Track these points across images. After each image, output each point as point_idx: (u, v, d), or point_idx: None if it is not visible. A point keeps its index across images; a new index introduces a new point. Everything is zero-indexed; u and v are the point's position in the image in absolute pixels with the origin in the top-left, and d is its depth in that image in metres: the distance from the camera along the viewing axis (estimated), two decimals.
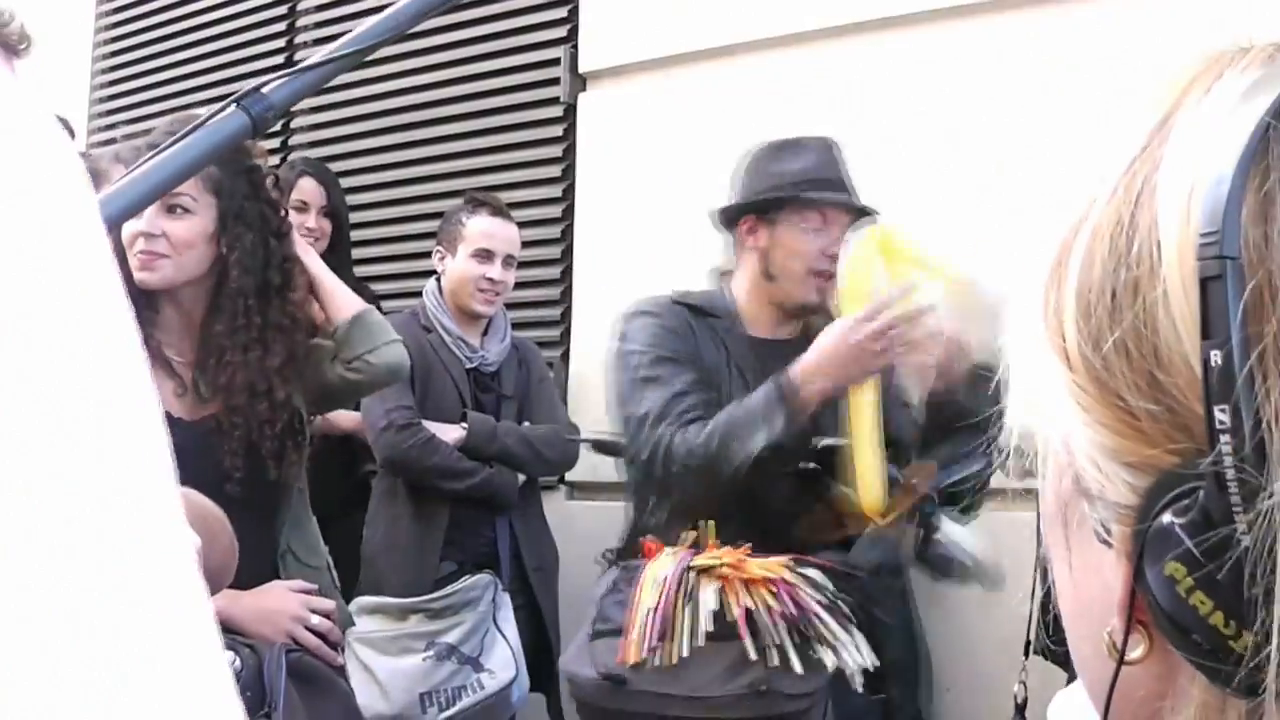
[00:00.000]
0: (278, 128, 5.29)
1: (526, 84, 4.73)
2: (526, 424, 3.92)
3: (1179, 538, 0.52)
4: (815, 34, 4.10)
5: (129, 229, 2.54)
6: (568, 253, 4.54)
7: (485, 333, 4.00)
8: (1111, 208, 0.58)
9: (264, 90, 1.26)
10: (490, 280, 3.90)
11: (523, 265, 4.13)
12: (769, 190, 3.05)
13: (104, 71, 6.17)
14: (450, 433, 3.80)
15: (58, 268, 0.45)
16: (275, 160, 4.80)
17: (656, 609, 2.68)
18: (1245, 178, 0.53)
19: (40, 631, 0.40)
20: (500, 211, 3.99)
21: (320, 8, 5.39)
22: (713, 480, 2.82)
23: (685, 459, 2.81)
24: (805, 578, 2.73)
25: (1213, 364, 0.51)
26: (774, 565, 2.73)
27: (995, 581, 2.95)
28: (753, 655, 2.63)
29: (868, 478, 2.80)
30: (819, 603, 2.69)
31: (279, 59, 5.34)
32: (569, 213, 4.55)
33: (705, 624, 2.64)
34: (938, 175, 3.68)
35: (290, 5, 5.51)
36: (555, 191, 4.59)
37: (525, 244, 4.13)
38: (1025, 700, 0.79)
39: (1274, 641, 0.51)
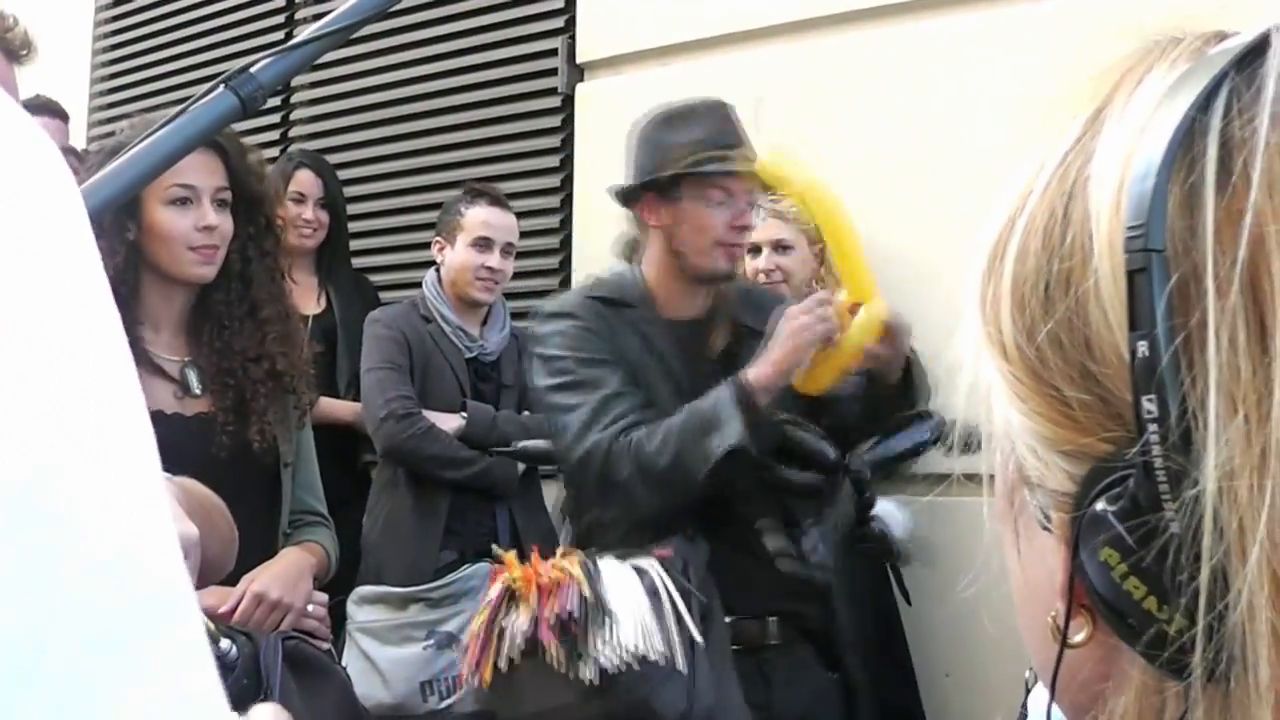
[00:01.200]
0: (276, 120, 5.30)
1: (524, 75, 4.73)
2: (526, 413, 3.92)
3: (1111, 524, 0.54)
4: (813, 23, 4.10)
5: (182, 223, 2.58)
6: (566, 243, 4.54)
7: (484, 322, 4.01)
8: (1045, 200, 0.59)
9: (252, 70, 1.27)
10: (489, 269, 3.92)
11: (521, 255, 4.13)
12: (664, 166, 2.93)
13: (105, 65, 6.17)
14: (450, 422, 3.81)
15: (41, 266, 0.46)
16: (273, 152, 4.81)
17: (477, 634, 2.65)
18: (1171, 170, 0.53)
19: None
20: (498, 201, 4.00)
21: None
22: (672, 491, 2.76)
23: (637, 468, 2.74)
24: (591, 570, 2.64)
25: (1139, 354, 0.52)
26: (566, 565, 2.65)
27: (928, 561, 2.96)
28: (558, 667, 2.55)
29: (854, 268, 2.89)
30: (584, 597, 2.57)
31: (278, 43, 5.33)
32: (567, 203, 4.55)
33: (510, 650, 2.58)
34: (936, 165, 3.68)
35: None
36: (553, 182, 4.59)
37: (523, 234, 4.14)
38: (1034, 684, 0.81)
39: (1199, 624, 0.51)
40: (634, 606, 2.59)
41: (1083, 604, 0.57)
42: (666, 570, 2.66)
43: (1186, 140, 0.54)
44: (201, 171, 2.59)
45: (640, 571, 2.65)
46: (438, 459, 3.77)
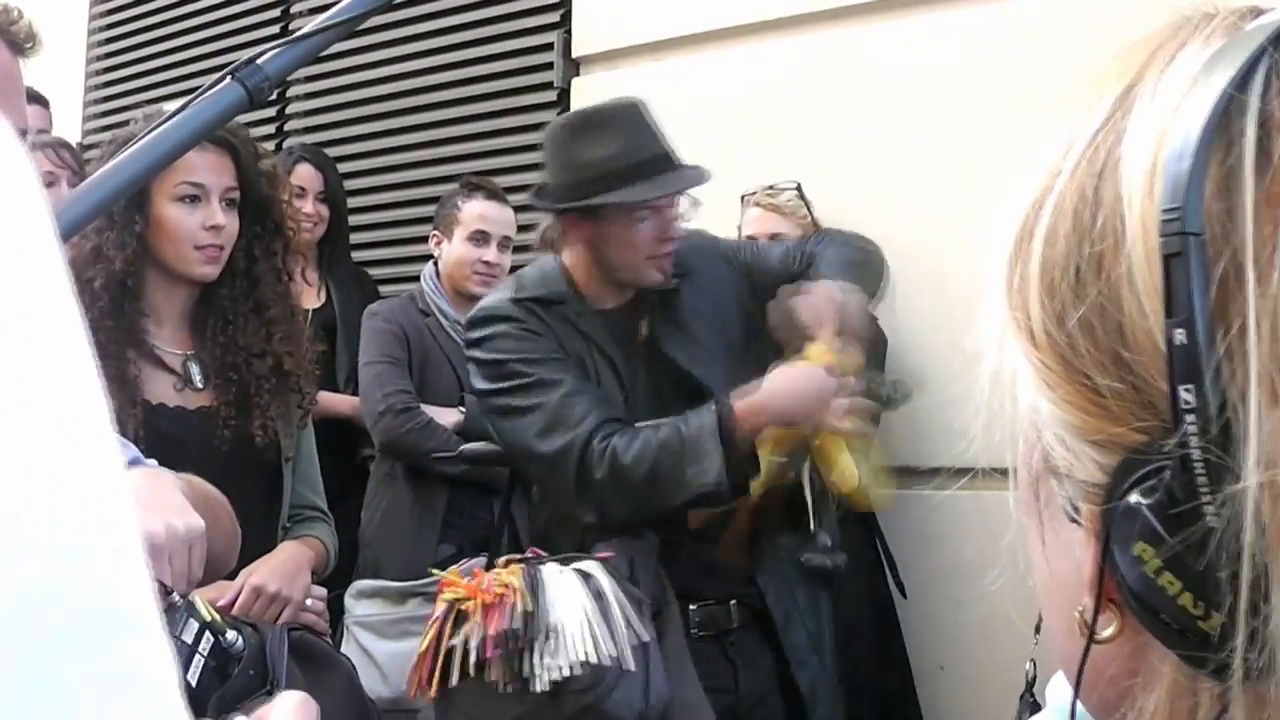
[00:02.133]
0: (273, 113, 5.31)
1: (520, 69, 4.72)
2: None
3: (1145, 517, 0.52)
4: (808, 18, 4.10)
5: (190, 221, 2.59)
6: None
7: None
8: (1075, 181, 0.57)
9: (259, 62, 1.27)
10: (486, 263, 3.92)
11: (518, 249, 4.13)
12: (580, 186, 2.84)
13: (100, 59, 6.16)
14: (447, 416, 3.81)
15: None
16: (271, 146, 4.81)
17: (425, 652, 2.61)
18: (1208, 151, 0.51)
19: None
20: (495, 195, 4.01)
21: None
22: (643, 508, 2.76)
23: (612, 478, 2.71)
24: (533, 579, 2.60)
25: (1177, 342, 0.50)
26: (509, 578, 2.61)
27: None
28: (502, 685, 2.52)
29: (843, 468, 2.80)
30: (524, 614, 2.53)
31: (274, 37, 5.33)
32: None
33: (460, 667, 2.55)
34: (936, 159, 3.69)
35: None
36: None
37: (520, 228, 4.14)
38: (1034, 678, 0.78)
39: (1240, 624, 0.50)
40: (579, 615, 2.55)
41: (1111, 598, 0.55)
42: (609, 572, 2.63)
43: (1223, 120, 0.52)
44: (211, 170, 2.60)
45: (585, 576, 2.62)
46: (436, 453, 3.77)
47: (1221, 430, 0.49)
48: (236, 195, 2.64)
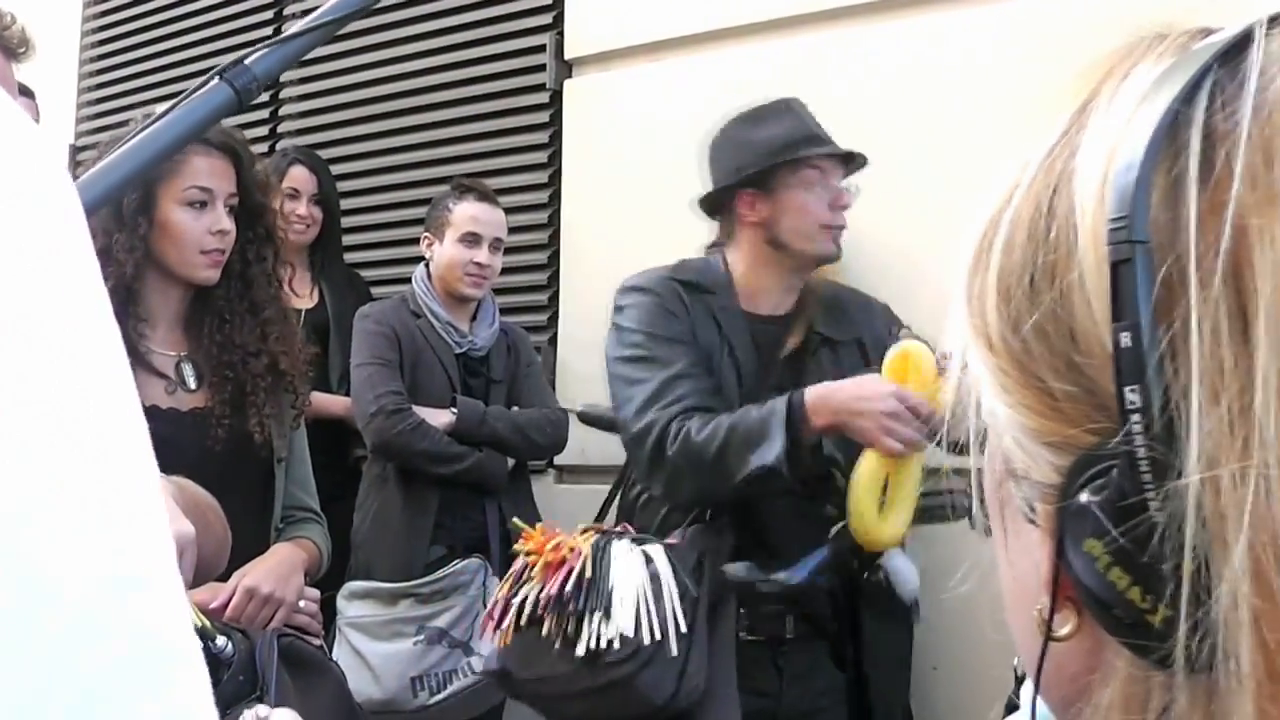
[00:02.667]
0: (266, 115, 5.30)
1: (512, 70, 4.72)
2: (515, 408, 3.93)
3: (1095, 515, 0.54)
4: (802, 19, 4.10)
5: (198, 225, 2.61)
6: (554, 238, 4.54)
7: (474, 318, 4.01)
8: (1031, 194, 0.59)
9: (247, 62, 1.26)
10: (478, 264, 3.92)
11: (510, 251, 4.13)
12: (759, 161, 2.97)
13: (93, 60, 6.16)
14: (439, 418, 3.81)
15: (39, 267, 0.45)
16: (262, 148, 4.81)
17: (498, 600, 2.82)
18: (1154, 163, 0.54)
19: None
20: (486, 196, 4.01)
21: None
22: (707, 486, 2.81)
23: (682, 454, 2.78)
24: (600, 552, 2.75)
25: (1123, 345, 0.52)
26: (579, 543, 2.78)
27: (923, 617, 2.98)
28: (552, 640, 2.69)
29: (863, 513, 2.75)
30: (580, 578, 2.69)
31: (266, 36, 5.33)
32: (555, 199, 4.55)
33: (514, 613, 2.74)
34: (931, 160, 3.69)
35: None
36: (541, 178, 4.59)
37: (512, 230, 4.14)
38: (1024, 676, 0.81)
39: (1182, 615, 0.51)
40: (634, 590, 2.66)
41: (1069, 597, 0.57)
42: (670, 559, 2.72)
43: (1170, 133, 0.54)
44: (217, 175, 2.63)
45: (648, 558, 2.72)
46: (427, 454, 3.77)
47: (1165, 429, 0.52)
48: (236, 201, 2.66)
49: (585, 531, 2.82)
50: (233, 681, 1.68)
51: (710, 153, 3.09)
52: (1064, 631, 0.58)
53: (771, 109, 3.07)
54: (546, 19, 4.65)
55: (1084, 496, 0.54)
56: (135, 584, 0.43)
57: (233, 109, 1.27)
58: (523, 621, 2.72)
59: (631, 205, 4.28)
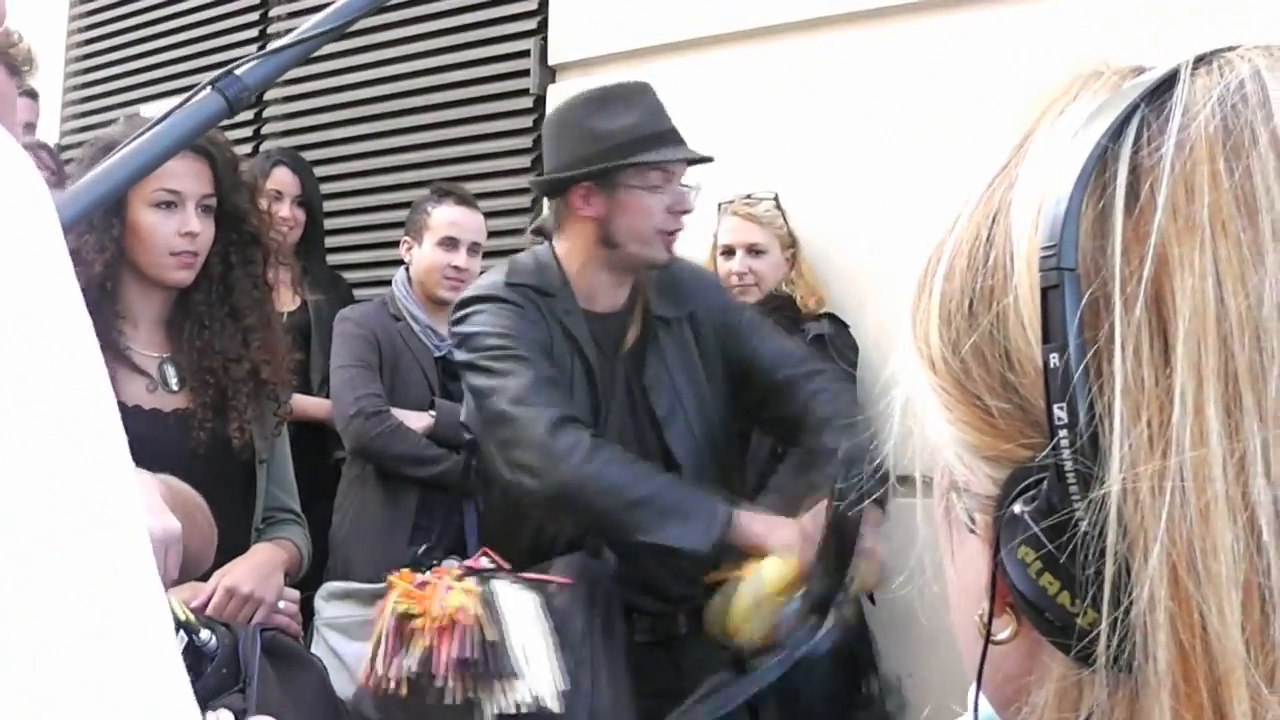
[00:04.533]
0: (250, 117, 5.31)
1: (497, 75, 4.75)
2: None
3: (1027, 524, 0.57)
4: (783, 27, 4.13)
5: (165, 227, 2.59)
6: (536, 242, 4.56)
7: None
8: (972, 223, 0.63)
9: (238, 72, 1.29)
10: (456, 268, 3.94)
11: (491, 255, 4.15)
12: (602, 156, 2.83)
13: (78, 60, 6.16)
14: (418, 420, 3.83)
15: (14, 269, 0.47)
16: (248, 150, 4.82)
17: (380, 663, 2.59)
18: (1084, 195, 0.58)
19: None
20: (465, 200, 4.03)
21: None
22: (600, 527, 2.78)
23: (595, 481, 2.69)
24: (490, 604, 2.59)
25: (1052, 365, 0.56)
26: (464, 600, 2.58)
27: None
28: (448, 700, 2.50)
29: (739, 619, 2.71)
30: (482, 641, 2.53)
31: (252, 48, 5.35)
32: (537, 203, 4.57)
33: (405, 674, 2.54)
34: (906, 166, 3.71)
35: None
36: (524, 182, 4.60)
37: (494, 234, 4.17)
38: None
39: (1104, 617, 0.55)
40: (541, 650, 2.55)
41: (1008, 602, 0.60)
42: (562, 598, 2.66)
43: (1099, 166, 0.58)
44: (188, 177, 2.60)
45: (540, 599, 2.63)
46: (406, 456, 3.78)
47: (1090, 443, 0.55)
48: (213, 202, 2.64)
49: (461, 577, 2.65)
50: (216, 674, 1.70)
51: (551, 131, 2.99)
52: (1003, 636, 0.61)
53: (620, 93, 2.92)
54: (531, 24, 4.68)
55: (1017, 507, 0.58)
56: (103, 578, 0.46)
57: (223, 117, 1.29)
58: (410, 678, 2.54)
59: None
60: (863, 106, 3.90)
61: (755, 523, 2.71)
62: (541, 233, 3.05)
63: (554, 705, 2.49)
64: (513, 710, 2.50)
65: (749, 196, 3.89)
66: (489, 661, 2.51)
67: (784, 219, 3.88)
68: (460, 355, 2.92)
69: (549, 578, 2.72)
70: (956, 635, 0.68)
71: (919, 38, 3.86)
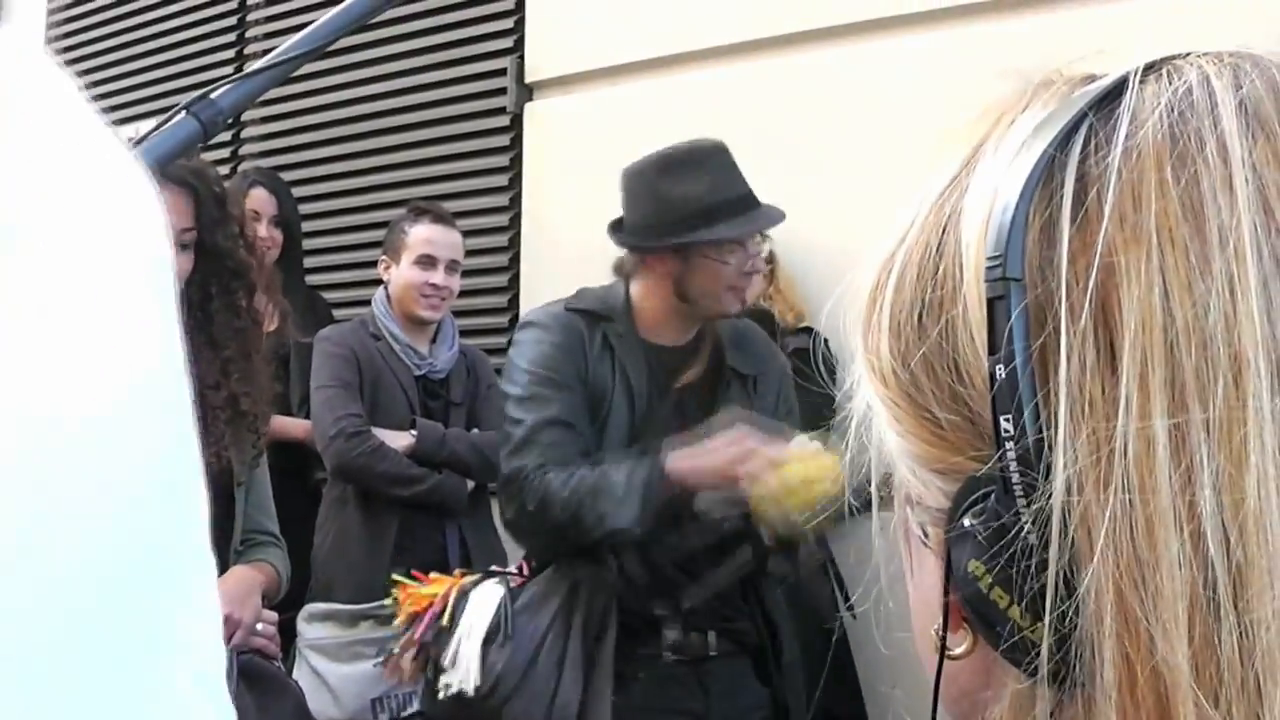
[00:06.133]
0: (227, 138, 5.31)
1: (473, 94, 4.76)
2: (475, 431, 3.94)
3: (977, 538, 0.56)
4: (760, 43, 4.14)
5: None
6: (514, 261, 4.57)
7: (434, 340, 4.03)
8: (923, 235, 0.62)
9: (213, 96, 1.29)
10: (434, 286, 3.93)
11: (470, 274, 4.15)
12: (674, 228, 2.87)
13: None
14: (399, 440, 3.82)
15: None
16: (225, 170, 4.81)
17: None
18: (1030, 205, 0.57)
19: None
20: (442, 219, 4.03)
21: (269, 19, 5.40)
22: (564, 540, 2.83)
23: (540, 509, 2.78)
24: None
25: (998, 377, 0.55)
26: (444, 590, 2.90)
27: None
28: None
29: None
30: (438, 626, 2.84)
31: (229, 69, 5.35)
32: (515, 221, 4.58)
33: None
34: (884, 183, 3.72)
35: (239, 15, 5.52)
36: (502, 200, 4.62)
37: (472, 252, 4.16)
38: None
39: (1046, 631, 0.55)
40: (476, 639, 2.79)
41: (963, 617, 0.59)
42: (531, 597, 2.84)
43: (1046, 176, 0.57)
44: (167, 210, 2.57)
45: (513, 593, 2.84)
46: (387, 477, 3.78)
47: (1035, 454, 0.55)
48: (191, 237, 2.62)
49: (463, 574, 2.99)
50: None
51: (628, 186, 3.01)
52: (959, 651, 0.60)
53: (696, 156, 2.94)
54: (507, 43, 4.69)
55: (967, 520, 0.57)
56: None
57: (197, 140, 1.29)
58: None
59: (591, 227, 4.30)
60: (844, 121, 3.91)
61: (685, 458, 2.75)
62: (620, 271, 3.08)
63: (470, 693, 2.76)
64: (453, 691, 2.77)
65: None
66: (437, 644, 2.82)
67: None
68: (504, 385, 3.03)
69: (509, 571, 2.93)
70: (918, 649, 0.67)
71: (901, 52, 3.87)
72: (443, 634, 2.80)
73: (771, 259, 3.92)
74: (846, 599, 3.41)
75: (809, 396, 3.14)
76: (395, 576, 3.05)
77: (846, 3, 3.99)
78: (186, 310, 2.65)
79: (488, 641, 2.77)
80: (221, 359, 2.63)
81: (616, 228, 3.02)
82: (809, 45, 4.06)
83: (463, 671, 2.74)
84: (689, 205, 2.87)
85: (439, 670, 2.79)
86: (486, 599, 2.82)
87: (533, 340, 2.93)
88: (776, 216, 3.01)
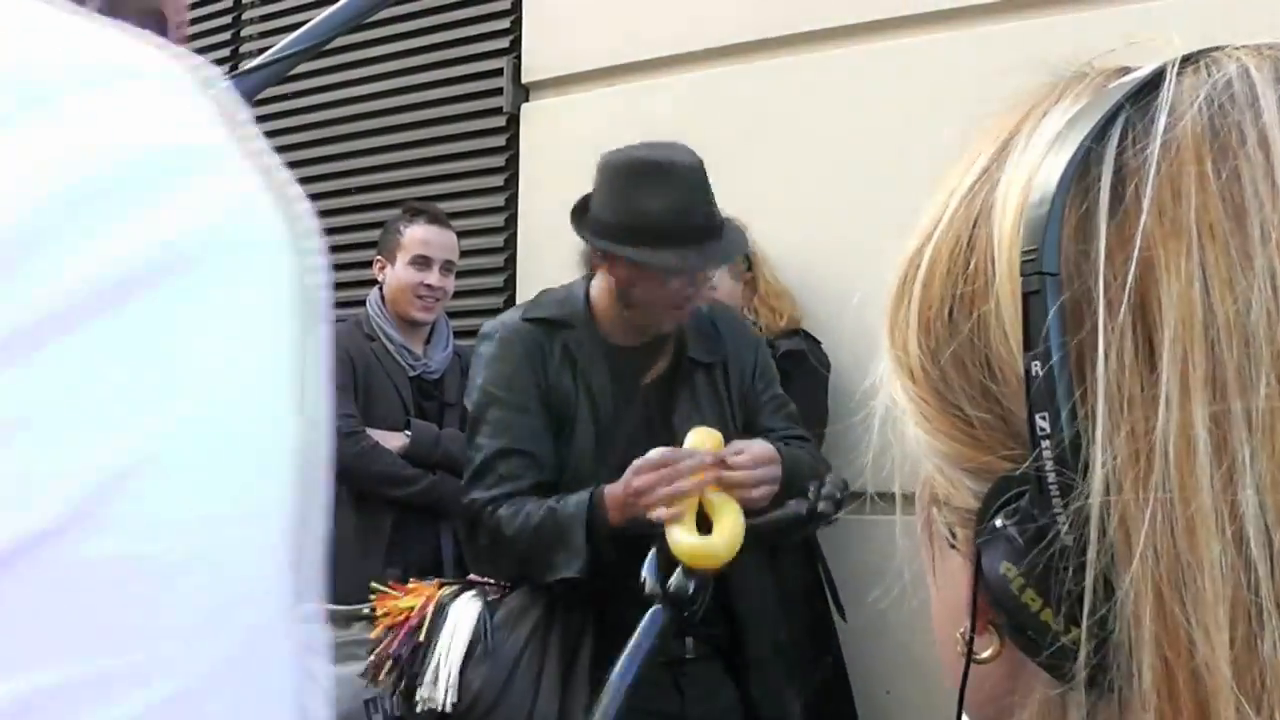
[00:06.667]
0: None
1: (469, 94, 4.75)
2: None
3: (1009, 539, 0.55)
4: (753, 45, 4.14)
5: None
6: (510, 261, 4.56)
7: (428, 341, 4.02)
8: (952, 228, 0.61)
9: None
10: (429, 286, 3.93)
11: (465, 274, 4.15)
12: (628, 236, 2.78)
13: None
14: (393, 440, 3.82)
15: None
16: None
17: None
18: (1066, 198, 0.55)
19: None
20: (437, 219, 4.03)
21: (264, 18, 5.39)
22: (520, 575, 2.84)
23: (491, 545, 2.78)
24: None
25: (1033, 373, 0.54)
26: (418, 600, 2.90)
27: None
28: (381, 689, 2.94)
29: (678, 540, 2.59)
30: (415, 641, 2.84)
31: (224, 68, 5.33)
32: (511, 222, 4.57)
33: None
34: (875, 185, 3.72)
35: (234, 14, 5.51)
36: (498, 201, 4.61)
37: (468, 253, 4.16)
38: None
39: (1083, 635, 0.53)
40: (455, 657, 2.77)
41: (991, 619, 0.58)
42: (507, 612, 2.83)
43: (1082, 169, 0.56)
44: None
45: (484, 611, 2.83)
46: (381, 477, 3.77)
47: (1072, 454, 0.53)
48: None
49: (441, 586, 2.94)
50: None
51: (600, 177, 2.89)
52: (986, 654, 0.59)
53: (670, 171, 2.82)
54: (504, 43, 4.68)
55: (999, 521, 0.55)
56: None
57: None
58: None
59: None
60: (840, 126, 3.90)
61: (618, 486, 2.69)
62: (585, 262, 3.02)
63: (448, 710, 2.76)
64: (430, 707, 2.78)
65: None
66: (412, 661, 2.82)
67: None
68: (466, 400, 3.01)
69: (487, 581, 2.90)
70: (939, 653, 0.66)
71: (890, 55, 3.86)
72: (419, 649, 2.80)
73: (750, 265, 3.84)
74: (837, 602, 3.41)
75: (799, 399, 3.13)
76: (374, 585, 3.04)
77: (843, 4, 3.98)
78: None
79: (466, 657, 2.76)
80: None
81: (582, 209, 2.93)
82: (803, 48, 4.06)
83: (441, 690, 2.75)
84: (644, 220, 2.78)
85: (414, 684, 2.80)
86: (465, 615, 2.80)
87: (491, 356, 2.90)
88: (736, 245, 2.93)
